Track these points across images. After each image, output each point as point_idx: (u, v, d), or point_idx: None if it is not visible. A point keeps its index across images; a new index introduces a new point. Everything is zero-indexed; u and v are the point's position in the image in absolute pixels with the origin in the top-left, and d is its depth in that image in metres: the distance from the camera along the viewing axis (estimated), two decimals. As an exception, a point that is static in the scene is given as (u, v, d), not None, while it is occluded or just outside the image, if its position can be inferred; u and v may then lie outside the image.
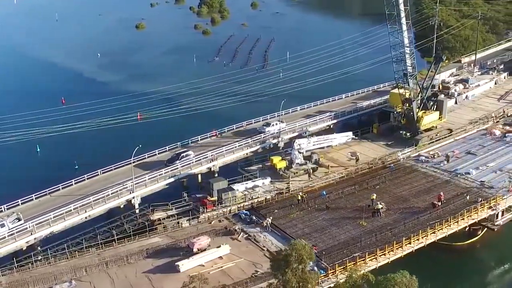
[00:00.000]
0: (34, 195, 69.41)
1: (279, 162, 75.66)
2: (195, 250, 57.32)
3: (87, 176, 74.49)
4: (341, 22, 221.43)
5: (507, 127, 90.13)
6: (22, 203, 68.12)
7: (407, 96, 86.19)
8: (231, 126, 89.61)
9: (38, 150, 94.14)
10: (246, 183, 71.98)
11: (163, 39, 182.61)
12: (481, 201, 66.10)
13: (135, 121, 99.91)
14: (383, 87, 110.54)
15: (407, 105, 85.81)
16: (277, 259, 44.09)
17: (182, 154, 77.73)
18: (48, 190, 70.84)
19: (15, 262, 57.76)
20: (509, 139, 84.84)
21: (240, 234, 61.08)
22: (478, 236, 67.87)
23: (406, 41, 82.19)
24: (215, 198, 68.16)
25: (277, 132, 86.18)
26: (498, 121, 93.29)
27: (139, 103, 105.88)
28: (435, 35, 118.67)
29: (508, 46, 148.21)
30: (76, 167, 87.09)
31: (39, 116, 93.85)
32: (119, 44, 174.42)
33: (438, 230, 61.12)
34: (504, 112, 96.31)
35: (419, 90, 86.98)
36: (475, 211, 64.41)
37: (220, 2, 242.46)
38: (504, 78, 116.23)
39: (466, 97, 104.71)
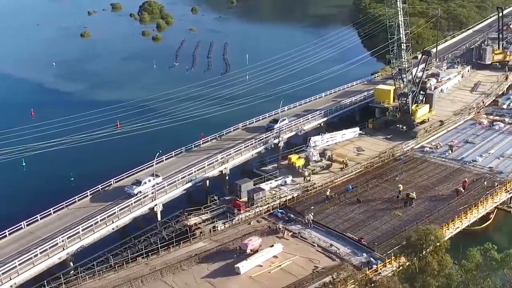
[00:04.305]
0: (52, 209, 66.13)
1: (297, 160, 76.27)
2: (248, 251, 56.82)
3: (101, 186, 71.70)
4: (284, 24, 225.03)
5: (491, 117, 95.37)
6: (41, 218, 64.68)
7: (392, 91, 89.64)
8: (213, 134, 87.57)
9: (24, 164, 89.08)
10: (270, 183, 72.02)
11: (114, 46, 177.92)
12: (497, 185, 69.79)
13: (113, 129, 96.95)
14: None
15: (403, 99, 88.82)
16: (412, 244, 44.55)
17: None
18: (65, 203, 67.65)
19: (62, 277, 54.92)
20: (497, 128, 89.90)
21: (284, 232, 61.09)
22: (491, 220, 71.30)
23: (403, 37, 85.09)
24: (244, 199, 67.71)
25: (276, 132, 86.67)
26: (479, 111, 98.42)
27: (111, 111, 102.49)
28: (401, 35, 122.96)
29: (455, 41, 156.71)
30: (72, 178, 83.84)
31: (12, 133, 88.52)
32: (70, 53, 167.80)
33: (469, 215, 63.92)
34: (483, 102, 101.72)
35: (403, 84, 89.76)
36: (496, 194, 67.87)
37: (160, 8, 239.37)
38: (468, 71, 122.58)
39: (441, 90, 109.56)
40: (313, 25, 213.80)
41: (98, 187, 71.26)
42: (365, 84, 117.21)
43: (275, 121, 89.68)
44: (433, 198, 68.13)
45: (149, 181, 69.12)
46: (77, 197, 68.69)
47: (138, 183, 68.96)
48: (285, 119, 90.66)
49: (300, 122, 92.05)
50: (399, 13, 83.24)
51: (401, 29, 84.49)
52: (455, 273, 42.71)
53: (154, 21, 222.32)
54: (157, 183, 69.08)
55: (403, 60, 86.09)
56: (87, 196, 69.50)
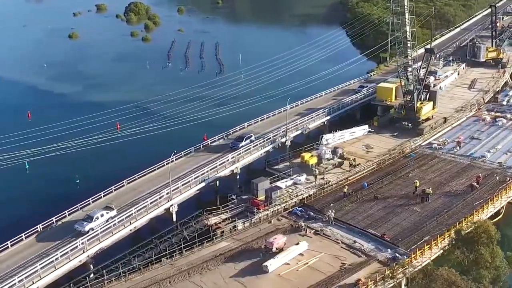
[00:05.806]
0: (67, 211, 65.29)
1: (310, 158, 76.34)
2: (274, 249, 56.73)
3: (114, 187, 70.88)
4: (271, 24, 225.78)
5: (492, 113, 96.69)
6: (56, 220, 63.80)
7: (394, 88, 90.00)
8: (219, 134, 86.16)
9: (27, 166, 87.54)
10: (286, 181, 71.98)
11: (104, 47, 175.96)
12: (509, 180, 70.77)
13: (113, 131, 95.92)
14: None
15: (409, 97, 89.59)
16: (465, 237, 44.88)
17: None
18: (80, 205, 66.77)
19: (87, 279, 54.27)
20: (500, 124, 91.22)
21: (307, 230, 61.14)
22: (502, 214, 72.20)
23: (409, 35, 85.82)
24: (262, 197, 67.58)
25: (283, 131, 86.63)
26: (480, 108, 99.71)
27: (109, 114, 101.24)
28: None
29: (444, 39, 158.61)
30: (78, 180, 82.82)
31: (11, 136, 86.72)
32: (60, 55, 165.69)
33: (486, 209, 64.73)
34: (483, 99, 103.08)
35: (408, 82, 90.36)
36: (509, 189, 68.83)
37: (146, 9, 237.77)
38: (463, 69, 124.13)
39: (440, 88, 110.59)
40: (301, 24, 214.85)
41: (112, 189, 70.44)
42: (362, 82, 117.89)
43: (240, 139, 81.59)
44: (448, 193, 68.84)
45: (102, 215, 61.90)
46: (91, 199, 67.94)
47: (89, 218, 61.51)
48: (251, 135, 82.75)
49: (305, 121, 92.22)
50: (406, 11, 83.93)
51: (407, 27, 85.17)
52: (500, 264, 43.27)
53: (141, 22, 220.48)
54: (111, 217, 62.37)
55: (409, 57, 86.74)
56: (101, 196, 68.74)
